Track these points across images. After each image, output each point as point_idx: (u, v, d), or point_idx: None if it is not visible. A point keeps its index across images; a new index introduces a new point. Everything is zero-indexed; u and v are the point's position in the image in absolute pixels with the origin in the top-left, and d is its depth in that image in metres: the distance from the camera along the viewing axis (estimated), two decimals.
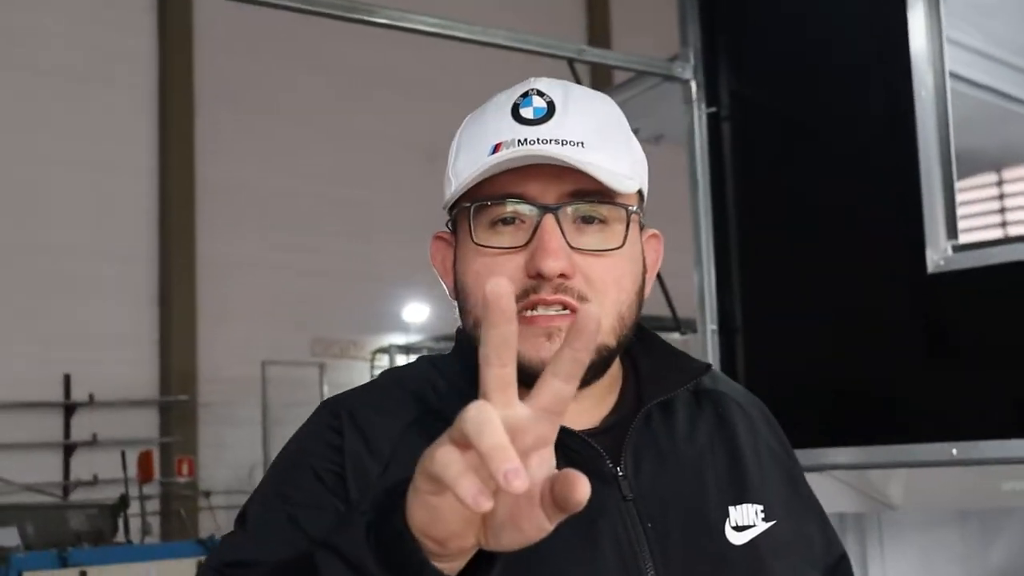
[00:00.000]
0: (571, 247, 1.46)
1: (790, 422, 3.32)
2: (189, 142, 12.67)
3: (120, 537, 9.86)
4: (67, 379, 11.54)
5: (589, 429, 1.50)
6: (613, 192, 1.49)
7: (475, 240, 1.50)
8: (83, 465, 11.51)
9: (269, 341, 12.41)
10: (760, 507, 1.53)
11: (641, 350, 1.61)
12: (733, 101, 3.38)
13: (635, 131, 4.24)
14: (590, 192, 1.48)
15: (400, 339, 13.20)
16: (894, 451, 3.01)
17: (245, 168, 12.86)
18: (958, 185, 3.10)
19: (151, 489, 11.51)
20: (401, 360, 11.99)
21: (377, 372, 11.65)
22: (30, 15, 11.65)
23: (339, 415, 1.52)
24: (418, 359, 1.65)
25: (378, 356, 13.18)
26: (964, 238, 3.04)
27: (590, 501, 1.40)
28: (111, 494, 10.61)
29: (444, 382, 1.56)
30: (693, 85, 3.38)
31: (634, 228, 1.54)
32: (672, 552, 1.44)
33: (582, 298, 1.47)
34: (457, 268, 1.57)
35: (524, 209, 1.48)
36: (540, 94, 1.52)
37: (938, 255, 2.97)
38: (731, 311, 3.38)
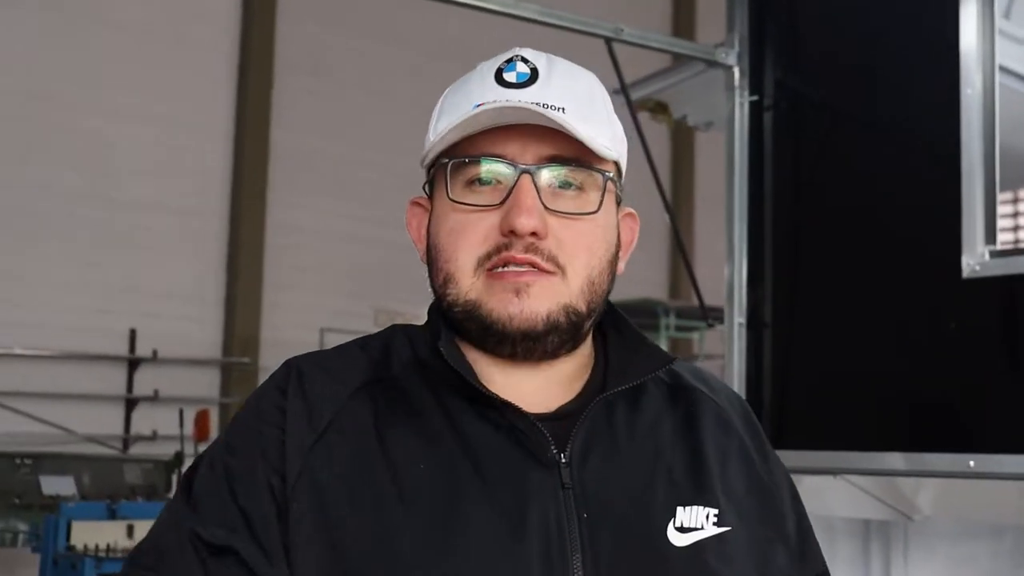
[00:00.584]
0: (546, 208, 1.46)
1: (813, 423, 3.26)
2: (266, 107, 12.67)
3: (171, 494, 9.95)
4: (132, 334, 11.61)
5: (544, 413, 1.48)
6: (591, 159, 1.49)
7: (451, 196, 1.50)
8: (143, 420, 11.60)
9: (330, 309, 12.40)
10: (714, 511, 1.47)
11: (613, 339, 1.58)
12: (777, 90, 3.30)
13: (683, 117, 4.15)
14: (568, 158, 1.48)
15: None
16: (919, 459, 2.93)
17: (318, 136, 12.84)
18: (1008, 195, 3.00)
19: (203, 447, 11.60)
20: None
21: None
22: None
23: (289, 376, 1.51)
24: (391, 326, 1.63)
25: None
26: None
27: (526, 484, 1.40)
28: (168, 450, 10.70)
29: (409, 351, 1.54)
30: (736, 72, 3.31)
31: (610, 199, 1.53)
32: (603, 545, 1.40)
33: (552, 260, 1.46)
34: (431, 228, 1.57)
35: (501, 168, 1.48)
36: (524, 60, 1.53)
37: (974, 260, 2.87)
38: (761, 305, 3.31)
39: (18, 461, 8.86)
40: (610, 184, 1.52)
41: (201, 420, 11.27)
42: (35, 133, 11.21)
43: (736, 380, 3.24)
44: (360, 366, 1.53)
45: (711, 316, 3.32)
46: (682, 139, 16.01)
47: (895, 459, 2.98)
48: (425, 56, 13.48)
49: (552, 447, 1.44)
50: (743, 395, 3.21)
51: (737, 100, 3.34)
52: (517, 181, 1.46)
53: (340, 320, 12.15)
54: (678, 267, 16.86)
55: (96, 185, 11.44)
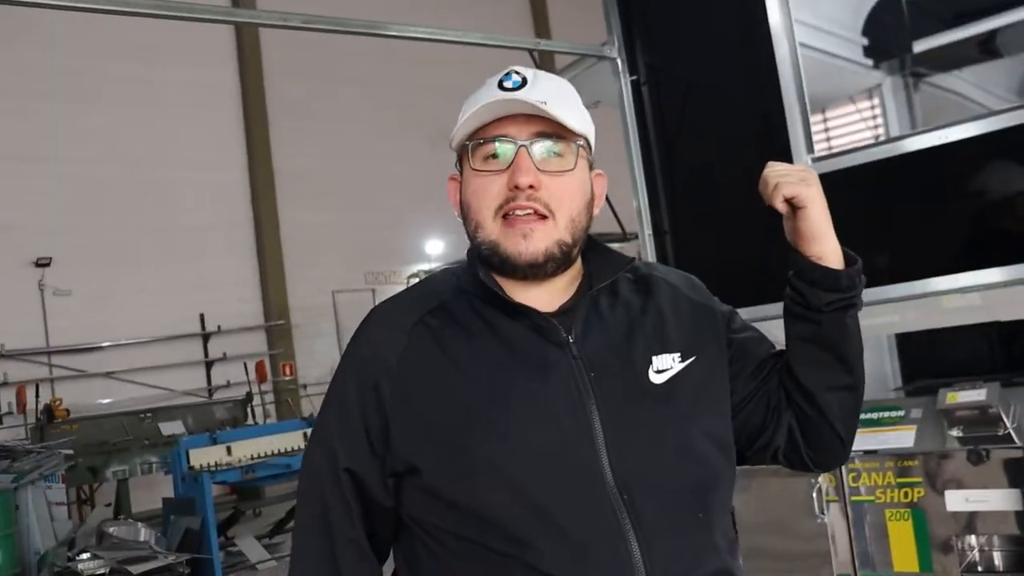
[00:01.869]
0: (538, 169, 1.48)
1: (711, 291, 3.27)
2: (267, 144, 12.49)
3: (250, 421, 9.87)
4: (202, 317, 11.45)
5: (552, 312, 1.50)
6: (566, 134, 1.50)
7: (472, 167, 1.52)
8: (219, 375, 11.45)
9: (334, 277, 12.36)
10: (677, 354, 1.51)
11: (592, 256, 1.59)
12: (648, 70, 3.29)
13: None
14: (551, 133, 1.50)
15: (425, 266, 13.13)
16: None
17: (309, 158, 12.67)
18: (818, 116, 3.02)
19: (266, 387, 11.49)
20: None
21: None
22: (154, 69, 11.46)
23: (361, 333, 1.55)
24: (442, 268, 1.68)
25: (411, 279, 13.13)
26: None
27: (548, 358, 1.43)
28: (239, 392, 10.61)
29: (454, 281, 1.55)
30: (619, 62, 3.28)
31: (583, 163, 1.54)
32: (608, 391, 1.43)
33: (546, 206, 1.47)
34: (463, 192, 1.57)
35: (506, 143, 1.50)
36: (517, 73, 1.56)
37: (802, 164, 2.90)
38: (660, 220, 3.31)
39: (142, 416, 9.08)
40: (582, 151, 1.53)
41: (260, 368, 11.16)
42: (110, 186, 10.99)
43: None
44: (416, 303, 1.54)
45: (628, 234, 3.28)
46: None
47: (774, 308, 2.97)
48: (386, 91, 13.37)
49: (562, 332, 1.47)
50: None
51: (623, 81, 3.30)
52: (517, 152, 1.49)
53: (343, 283, 12.05)
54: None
55: (158, 218, 11.25)
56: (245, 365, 11.04)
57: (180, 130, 11.59)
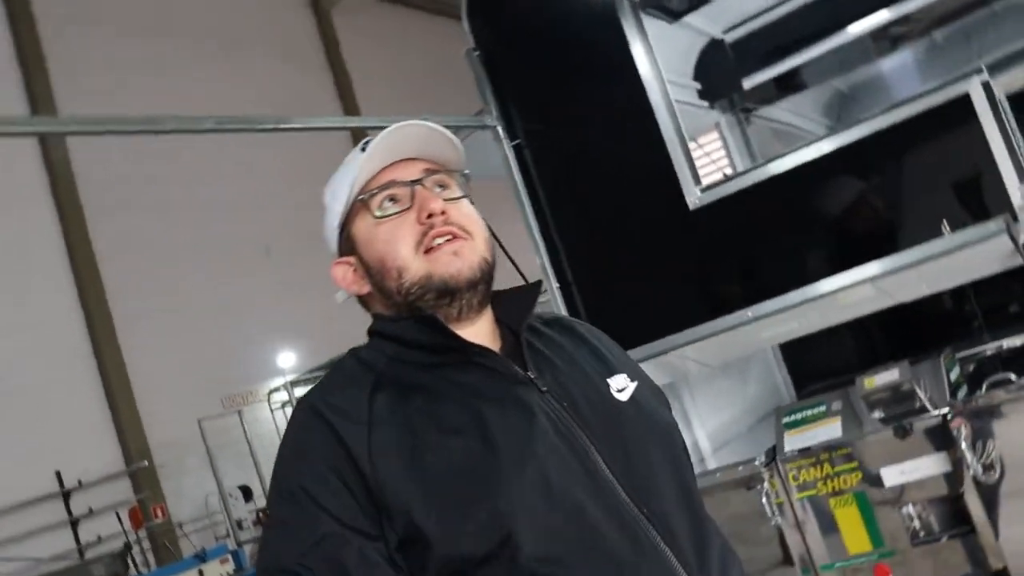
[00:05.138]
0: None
1: (620, 332, 3.38)
2: (99, 284, 11.85)
3: (132, 573, 9.28)
4: (58, 474, 10.66)
5: (502, 353, 1.48)
6: (451, 168, 1.52)
7: (376, 215, 1.48)
8: (88, 532, 10.63)
9: (195, 405, 11.59)
10: (624, 375, 1.54)
11: (498, 300, 1.56)
12: (526, 133, 3.42)
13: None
14: (436, 170, 1.50)
15: (280, 380, 12.69)
16: (701, 329, 3.06)
17: (143, 291, 12.06)
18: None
19: (141, 534, 10.81)
20: (296, 391, 11.65)
21: (275, 408, 11.16)
22: None
23: (316, 407, 1.40)
24: (346, 353, 1.53)
25: (273, 394, 12.73)
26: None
27: (523, 398, 1.40)
28: (115, 546, 9.94)
29: (381, 355, 1.47)
30: (499, 129, 3.40)
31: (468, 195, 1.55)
32: (587, 416, 1.43)
33: (463, 228, 1.47)
34: (366, 253, 1.51)
35: (400, 187, 1.48)
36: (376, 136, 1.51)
37: (693, 197, 3.09)
38: (562, 271, 3.42)
39: None
40: (467, 184, 1.55)
41: (134, 515, 10.52)
42: None
43: None
44: (360, 375, 1.43)
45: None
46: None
47: (680, 337, 3.10)
48: (215, 210, 13.10)
49: (519, 371, 1.44)
50: None
51: (505, 147, 3.41)
52: (414, 189, 1.47)
53: (202, 411, 11.54)
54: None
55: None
56: (118, 514, 10.37)
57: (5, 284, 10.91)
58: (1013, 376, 2.78)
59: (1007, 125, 2.43)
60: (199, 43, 13.74)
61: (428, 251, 1.45)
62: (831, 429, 3.07)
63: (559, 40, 3.32)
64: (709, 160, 4.90)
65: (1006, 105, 2.44)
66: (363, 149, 1.51)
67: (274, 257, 13.53)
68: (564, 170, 3.41)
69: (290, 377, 12.67)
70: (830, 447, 3.03)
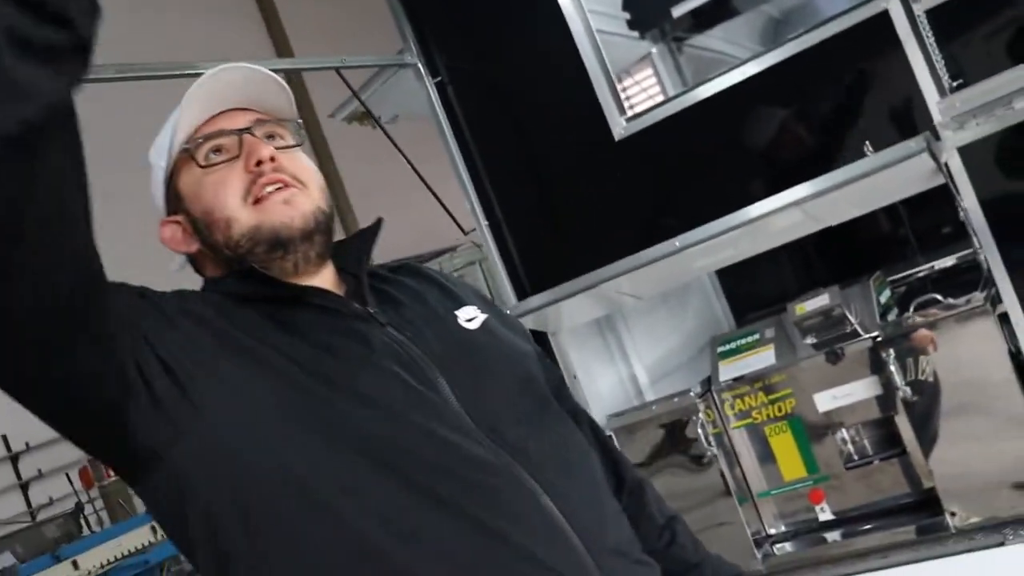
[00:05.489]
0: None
1: (552, 269, 3.34)
2: None
3: (86, 532, 9.21)
4: (4, 438, 10.52)
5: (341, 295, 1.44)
6: (284, 117, 1.47)
7: (202, 164, 1.41)
8: (39, 494, 10.53)
9: None
10: (475, 307, 1.51)
11: (340, 251, 1.52)
12: (449, 71, 3.33)
13: (378, 117, 4.03)
14: (266, 120, 1.45)
15: None
16: (630, 260, 3.03)
17: None
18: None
19: (94, 493, 10.70)
20: None
21: None
22: None
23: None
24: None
25: None
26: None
27: (364, 334, 1.34)
28: (68, 506, 9.84)
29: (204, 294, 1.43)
30: (420, 67, 3.31)
31: (303, 142, 1.50)
32: (434, 345, 1.38)
33: (295, 178, 1.41)
34: (193, 207, 1.43)
35: (228, 137, 1.42)
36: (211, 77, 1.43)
37: (619, 127, 3.03)
38: (493, 214, 3.36)
39: None
40: (301, 132, 1.50)
41: (84, 475, 10.40)
42: None
43: (496, 258, 3.27)
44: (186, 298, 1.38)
45: (465, 230, 3.31)
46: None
47: (611, 269, 3.07)
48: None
49: (357, 305, 1.40)
50: (502, 265, 3.28)
51: (428, 85, 3.32)
52: (241, 138, 1.41)
53: None
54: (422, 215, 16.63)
55: None
56: (67, 476, 10.26)
57: None
58: (939, 297, 2.78)
59: (926, 42, 2.38)
60: None
61: (257, 201, 1.37)
62: (764, 357, 3.06)
63: None
64: (642, 90, 4.83)
65: (925, 21, 2.39)
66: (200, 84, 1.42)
67: None
68: (488, 107, 3.34)
69: None
70: (763, 375, 3.02)
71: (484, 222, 3.29)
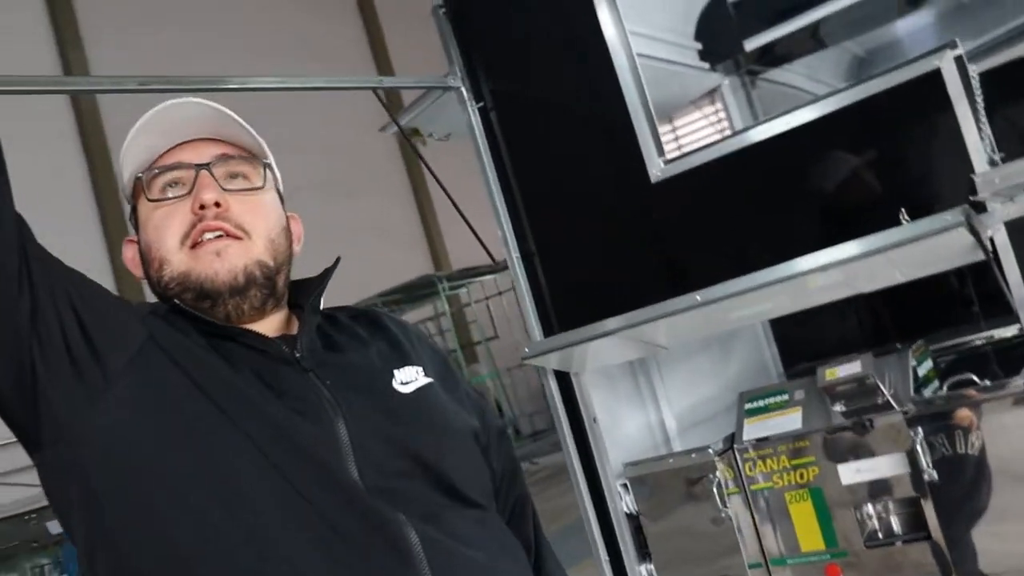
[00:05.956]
0: (224, 189, 1.38)
1: (578, 306, 3.26)
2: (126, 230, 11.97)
3: None
4: None
5: (277, 336, 1.42)
6: (249, 155, 1.43)
7: (149, 198, 1.40)
8: None
9: None
10: (420, 369, 1.45)
11: (302, 296, 1.52)
12: (493, 96, 3.28)
13: (430, 134, 4.01)
14: (232, 155, 1.41)
15: None
16: (656, 308, 2.94)
17: None
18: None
19: None
20: None
21: None
22: None
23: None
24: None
25: None
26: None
27: (281, 376, 1.33)
28: None
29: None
30: (463, 91, 3.26)
31: (271, 188, 1.46)
32: (350, 400, 1.34)
33: (239, 226, 1.38)
34: (142, 235, 1.43)
35: (184, 170, 1.39)
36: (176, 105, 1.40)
37: (656, 169, 2.93)
38: (527, 245, 3.29)
39: (26, 517, 8.57)
40: (269, 173, 1.44)
41: None
42: None
43: (524, 294, 3.20)
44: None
45: (497, 262, 3.25)
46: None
47: (643, 313, 2.98)
48: None
49: (285, 348, 1.37)
50: (531, 299, 3.20)
51: (469, 109, 3.28)
52: (198, 174, 1.37)
53: None
54: (435, 249, 16.79)
55: None
56: None
57: None
58: (975, 378, 2.60)
59: (977, 106, 2.23)
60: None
61: (194, 246, 1.36)
62: (792, 419, 2.91)
63: (526, 3, 3.16)
64: (709, 124, 4.69)
65: (978, 85, 2.23)
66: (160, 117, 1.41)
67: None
68: (530, 136, 3.26)
69: None
70: (788, 438, 2.87)
71: (515, 254, 3.21)
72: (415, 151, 3.31)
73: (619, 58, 2.95)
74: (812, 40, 4.78)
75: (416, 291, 14.18)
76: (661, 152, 2.94)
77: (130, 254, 1.47)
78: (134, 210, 1.46)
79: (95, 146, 11.56)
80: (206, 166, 1.37)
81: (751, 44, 4.47)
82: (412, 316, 15.52)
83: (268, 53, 12.55)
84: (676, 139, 4.72)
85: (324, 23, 14.99)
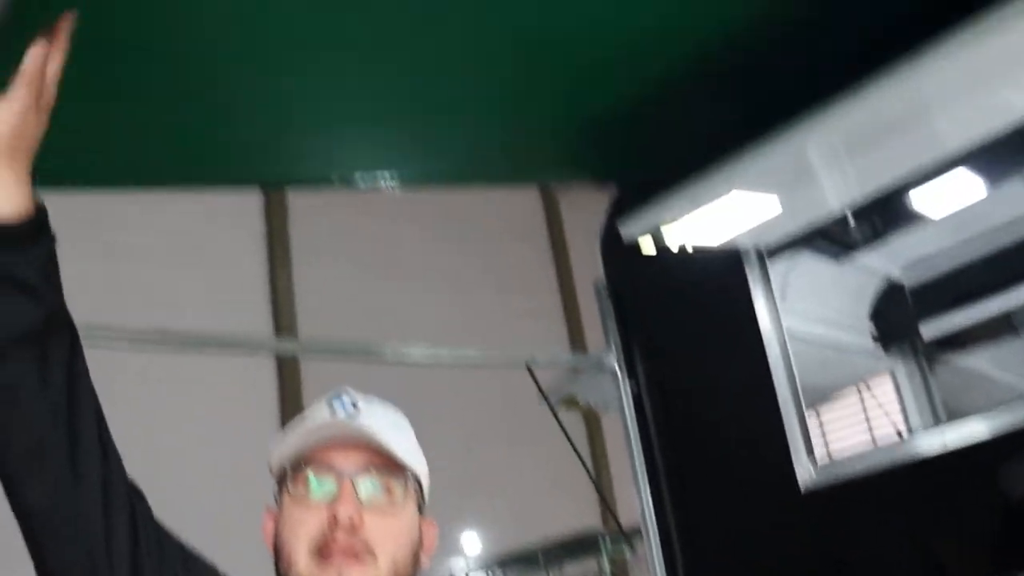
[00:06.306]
0: (363, 503, 1.39)
1: None
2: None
3: None
4: None
5: None
6: (396, 468, 1.43)
7: (291, 495, 1.42)
8: None
9: None
10: None
11: None
12: (647, 379, 3.30)
13: (587, 403, 4.05)
14: (380, 466, 1.41)
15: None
16: None
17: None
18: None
19: None
20: None
21: None
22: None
23: None
24: None
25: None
26: None
27: None
28: None
29: None
30: (618, 371, 3.31)
31: (411, 501, 1.45)
32: None
33: (368, 550, 1.37)
34: (278, 526, 1.45)
35: (328, 478, 1.41)
36: (347, 394, 1.47)
37: (806, 475, 2.81)
38: (667, 527, 3.19)
39: None
40: (411, 489, 1.44)
41: None
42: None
43: (658, 565, 3.10)
44: None
45: (632, 536, 3.15)
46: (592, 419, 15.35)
47: None
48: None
49: None
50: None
51: (622, 389, 3.31)
52: (341, 485, 1.39)
53: None
54: (606, 503, 16.21)
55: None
56: None
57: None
58: None
59: None
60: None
61: (323, 556, 1.37)
62: None
63: (687, 285, 3.21)
64: (877, 406, 4.51)
65: None
66: (331, 404, 1.46)
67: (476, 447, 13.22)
68: (680, 423, 3.24)
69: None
70: None
71: (655, 539, 3.13)
72: (557, 420, 3.34)
73: (772, 350, 2.93)
74: (1006, 325, 4.55)
75: (578, 547, 13.57)
76: (810, 451, 2.84)
77: (268, 528, 1.52)
78: (279, 490, 1.52)
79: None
80: (351, 478, 1.43)
81: (929, 331, 4.30)
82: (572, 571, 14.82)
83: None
84: (839, 425, 4.57)
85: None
